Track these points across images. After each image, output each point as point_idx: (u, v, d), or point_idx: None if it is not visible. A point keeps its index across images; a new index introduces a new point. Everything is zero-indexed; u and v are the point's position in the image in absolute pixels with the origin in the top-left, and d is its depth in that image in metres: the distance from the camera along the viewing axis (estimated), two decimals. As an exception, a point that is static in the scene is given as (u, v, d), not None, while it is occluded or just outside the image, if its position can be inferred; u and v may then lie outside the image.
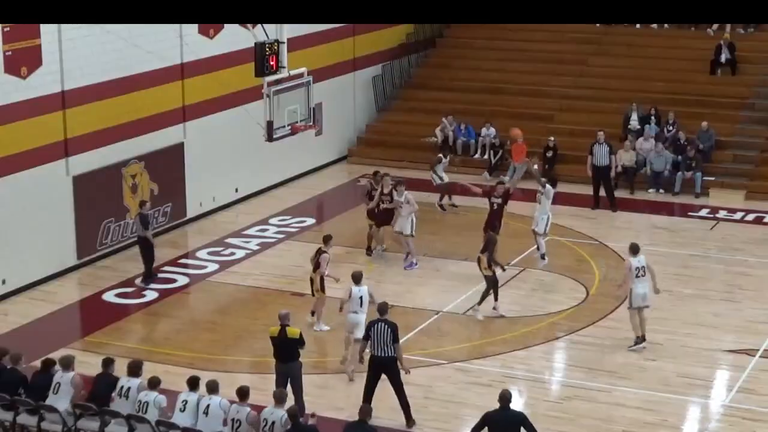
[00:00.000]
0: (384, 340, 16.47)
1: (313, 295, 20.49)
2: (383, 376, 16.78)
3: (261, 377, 18.00)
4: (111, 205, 23.94)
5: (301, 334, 16.59)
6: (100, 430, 15.36)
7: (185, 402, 15.13)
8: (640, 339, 19.53)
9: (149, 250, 22.75)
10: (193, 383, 15.30)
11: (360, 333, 17.99)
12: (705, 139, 30.03)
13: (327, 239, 20.59)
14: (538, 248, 23.77)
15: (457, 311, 21.33)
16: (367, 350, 17.00)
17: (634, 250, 19.49)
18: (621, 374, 18.48)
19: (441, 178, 27.63)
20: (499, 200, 23.54)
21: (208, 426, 14.86)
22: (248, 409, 14.74)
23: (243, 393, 14.85)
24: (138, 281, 22.70)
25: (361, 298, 18.41)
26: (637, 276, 19.28)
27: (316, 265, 20.26)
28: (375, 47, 33.92)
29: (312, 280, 20.46)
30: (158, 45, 24.79)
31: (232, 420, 14.72)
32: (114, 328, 20.66)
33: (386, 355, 16.53)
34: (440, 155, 28.25)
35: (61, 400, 15.58)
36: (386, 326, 16.54)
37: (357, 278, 18.60)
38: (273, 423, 14.55)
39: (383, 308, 16.87)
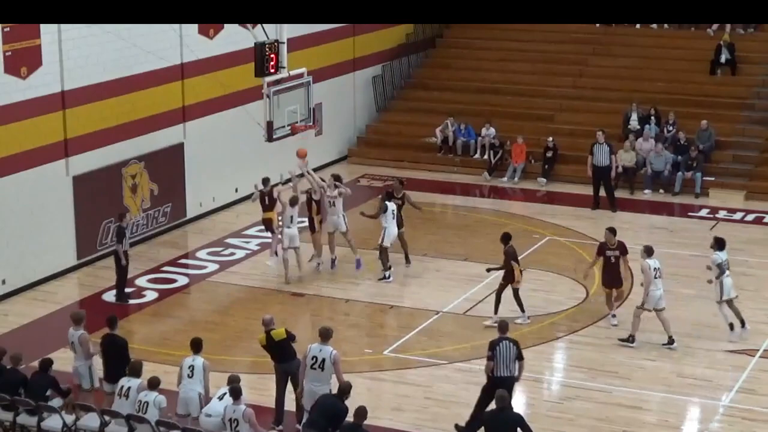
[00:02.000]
0: (510, 358, 15.98)
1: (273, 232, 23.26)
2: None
3: (261, 377, 18.01)
4: (111, 205, 23.92)
5: (286, 331, 16.53)
6: (100, 430, 15.38)
7: (192, 367, 15.65)
8: (633, 338, 19.74)
9: (120, 266, 21.87)
10: (196, 346, 15.90)
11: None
12: (704, 138, 30.02)
13: (266, 181, 23.59)
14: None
15: (457, 311, 21.33)
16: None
17: (649, 251, 19.75)
18: (621, 374, 18.49)
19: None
20: (616, 252, 20.61)
21: (216, 410, 15.08)
22: (243, 406, 14.79)
23: (236, 392, 14.87)
24: (112, 295, 22.21)
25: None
26: (655, 277, 19.55)
27: (273, 203, 23.37)
28: (375, 47, 33.92)
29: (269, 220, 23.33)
30: (158, 45, 24.79)
31: (230, 420, 14.75)
32: (114, 328, 20.66)
33: (510, 374, 16.03)
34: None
35: (81, 357, 16.41)
36: (511, 344, 16.06)
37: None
38: (323, 360, 15.46)
39: (504, 326, 16.41)
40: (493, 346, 16.00)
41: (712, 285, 20.44)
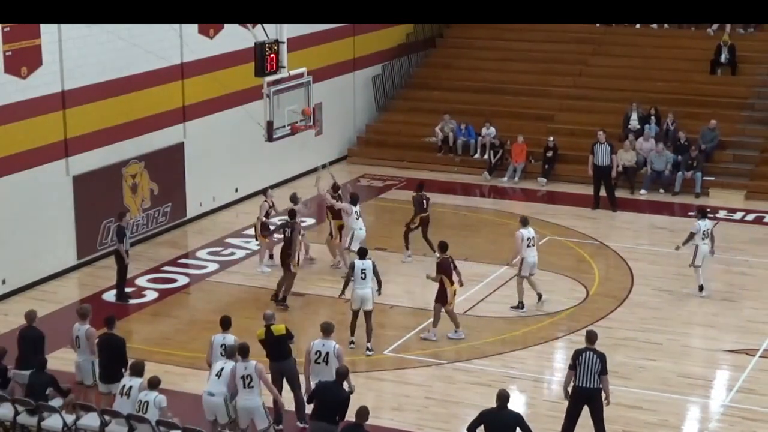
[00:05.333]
0: (592, 370, 15.49)
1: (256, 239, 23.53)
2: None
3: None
4: (111, 205, 23.91)
5: (287, 329, 16.64)
6: (101, 430, 15.39)
7: (224, 346, 16.05)
8: (523, 305, 21.26)
9: (121, 266, 21.85)
10: (225, 324, 16.46)
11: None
12: (710, 138, 30.00)
13: (266, 191, 23.72)
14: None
15: (457, 311, 21.30)
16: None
17: (524, 222, 21.37)
18: (621, 374, 18.46)
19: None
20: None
21: (217, 387, 15.42)
22: (254, 362, 15.31)
23: (244, 349, 15.41)
24: (112, 295, 22.18)
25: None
26: (528, 246, 21.03)
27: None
28: (375, 47, 33.93)
29: (255, 227, 23.43)
30: (158, 45, 24.79)
31: (242, 377, 15.21)
32: (114, 327, 20.65)
33: (592, 386, 15.54)
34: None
35: (84, 353, 16.54)
36: (595, 356, 15.55)
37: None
38: (327, 354, 15.84)
39: (592, 337, 15.82)
40: (577, 355, 15.64)
41: (679, 251, 22.43)
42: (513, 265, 21.82)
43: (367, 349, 19.41)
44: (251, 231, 24.31)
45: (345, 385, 15.13)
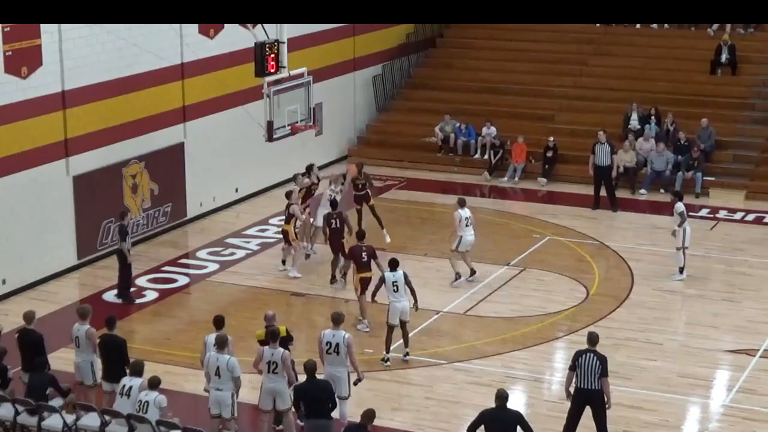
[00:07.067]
0: (592, 372, 15.40)
1: (290, 244, 22.98)
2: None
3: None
4: (111, 205, 23.91)
5: (287, 331, 16.65)
6: (101, 430, 15.39)
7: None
8: (459, 275, 22.53)
9: (124, 265, 21.89)
10: (218, 323, 16.36)
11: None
12: (705, 137, 30.01)
13: (289, 194, 23.16)
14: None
15: (457, 311, 21.35)
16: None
17: (461, 203, 22.79)
18: (621, 374, 18.46)
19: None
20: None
21: (223, 383, 15.51)
22: (281, 350, 15.54)
23: (275, 335, 15.66)
24: (114, 295, 22.19)
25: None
26: (466, 225, 22.39)
27: (289, 217, 22.80)
28: (375, 47, 33.93)
29: (286, 232, 22.93)
30: (158, 45, 24.80)
31: (268, 363, 15.53)
32: (114, 328, 20.64)
33: (593, 388, 15.46)
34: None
35: (83, 353, 16.44)
36: (595, 357, 15.46)
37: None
38: (337, 344, 15.97)
39: (593, 338, 15.69)
40: (577, 356, 15.58)
41: (675, 236, 22.97)
42: (454, 251, 22.64)
43: (406, 354, 19.08)
44: (250, 231, 24.31)
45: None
